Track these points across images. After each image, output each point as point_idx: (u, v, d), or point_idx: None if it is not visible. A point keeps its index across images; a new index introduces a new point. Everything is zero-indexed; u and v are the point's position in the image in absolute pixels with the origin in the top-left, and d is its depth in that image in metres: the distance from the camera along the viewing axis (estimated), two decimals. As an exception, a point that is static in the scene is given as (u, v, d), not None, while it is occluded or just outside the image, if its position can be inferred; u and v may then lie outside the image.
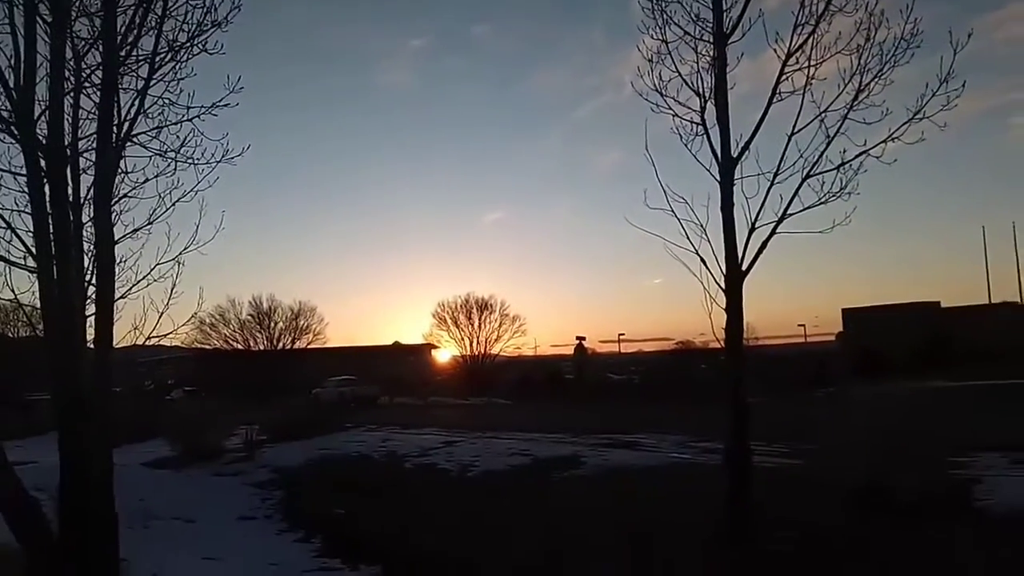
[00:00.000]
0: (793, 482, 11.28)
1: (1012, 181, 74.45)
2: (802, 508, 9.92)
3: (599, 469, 14.16)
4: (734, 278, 9.04)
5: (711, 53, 9.06)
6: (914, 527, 8.84)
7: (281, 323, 51.89)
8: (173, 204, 8.69)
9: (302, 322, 52.27)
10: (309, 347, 52.45)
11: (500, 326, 53.19)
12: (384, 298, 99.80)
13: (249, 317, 51.51)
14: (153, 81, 8.05)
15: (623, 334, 64.16)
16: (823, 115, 8.75)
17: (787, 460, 13.37)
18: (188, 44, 8.16)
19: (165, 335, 8.83)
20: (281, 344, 51.56)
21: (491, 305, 53.32)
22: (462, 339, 53.44)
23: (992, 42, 64.99)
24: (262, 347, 51.17)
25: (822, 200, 8.81)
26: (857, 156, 8.67)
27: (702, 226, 9.06)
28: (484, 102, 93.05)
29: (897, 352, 38.24)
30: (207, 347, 49.37)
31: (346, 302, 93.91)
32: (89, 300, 7.95)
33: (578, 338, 51.79)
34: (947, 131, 8.40)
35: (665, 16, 9.20)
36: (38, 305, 7.81)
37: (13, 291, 8.09)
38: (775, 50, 8.81)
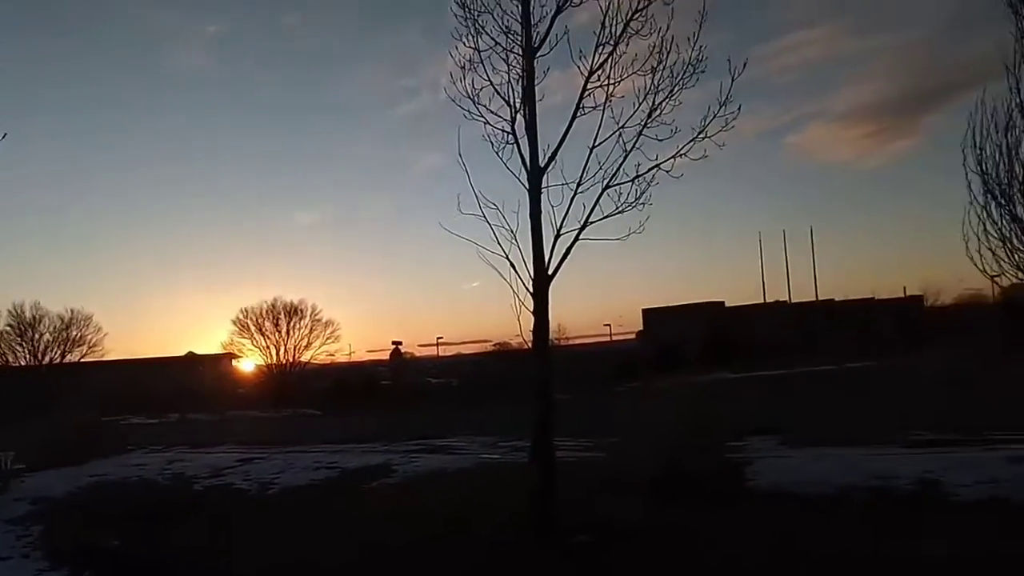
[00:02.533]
0: (596, 474, 11.72)
1: (784, 194, 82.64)
2: (604, 498, 10.37)
3: (410, 476, 14.02)
4: (541, 281, 9.34)
5: (521, 65, 9.30)
6: (702, 510, 9.51)
7: (48, 334, 47.47)
8: None
9: (74, 333, 48.03)
10: (83, 360, 48.29)
11: (311, 332, 51.48)
12: (178, 305, 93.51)
13: (8, 328, 46.77)
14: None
15: (441, 337, 64.14)
16: (621, 130, 9.30)
17: (591, 453, 13.83)
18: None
19: None
20: (47, 358, 47.22)
21: (301, 310, 51.51)
22: (268, 347, 51.33)
23: (769, 70, 70.91)
24: (23, 363, 46.63)
25: (620, 209, 9.36)
26: (650, 169, 9.34)
27: (512, 232, 9.36)
28: (293, 95, 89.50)
29: (689, 348, 41.09)
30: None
31: (132, 311, 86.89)
32: None
33: (394, 343, 51.31)
34: (728, 147, 9.16)
35: (477, 25, 9.44)
36: None
37: None
38: (578, 67, 9.21)
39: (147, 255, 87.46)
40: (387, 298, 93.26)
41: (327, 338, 51.42)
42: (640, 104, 9.17)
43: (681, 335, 43.86)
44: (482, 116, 9.47)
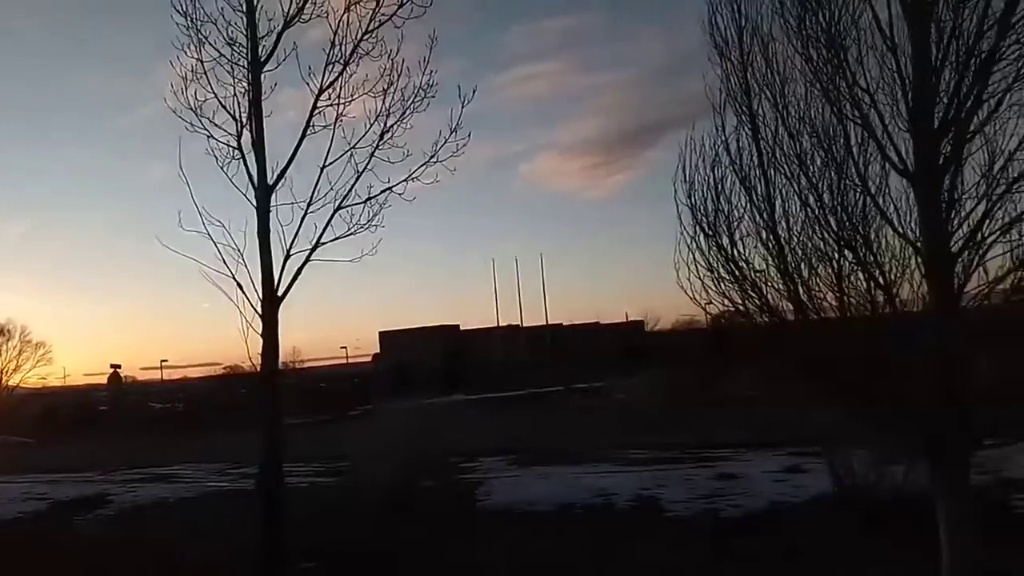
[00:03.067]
0: (327, 499, 11.67)
1: (517, 220, 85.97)
2: (334, 525, 10.34)
3: (127, 507, 13.23)
4: (270, 303, 9.08)
5: (247, 79, 9.07)
6: (435, 531, 9.77)
7: None
8: None
9: None
10: None
11: (20, 354, 46.87)
12: None
13: None
14: None
15: (166, 360, 60.47)
16: (353, 151, 9.20)
17: (323, 478, 13.75)
18: None
19: None
20: None
21: (9, 330, 46.74)
22: (-31, 370, 45.98)
23: (504, 99, 73.89)
24: None
25: (351, 231, 9.26)
26: (383, 192, 9.29)
27: (240, 251, 8.98)
28: (16, 95, 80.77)
29: (425, 370, 41.60)
30: None
31: None
32: None
33: (113, 366, 48.08)
34: (465, 173, 9.60)
35: (201, 35, 8.99)
36: None
37: None
38: (308, 84, 9.10)
39: None
40: (107, 318, 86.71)
41: (38, 360, 47.31)
42: (371, 125, 9.12)
43: (417, 357, 44.54)
44: (206, 129, 9.06)
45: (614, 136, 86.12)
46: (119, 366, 49.04)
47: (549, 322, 52.67)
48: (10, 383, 46.92)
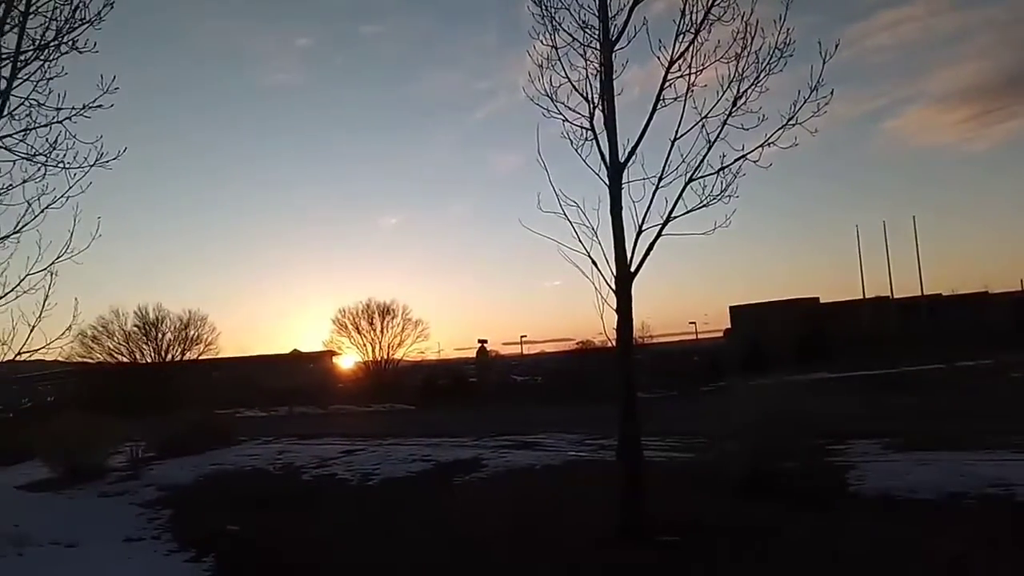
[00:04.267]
0: (684, 474, 11.61)
1: (882, 182, 78.64)
2: (692, 500, 10.26)
3: (499, 470, 14.19)
4: (623, 279, 9.24)
5: (599, 59, 9.24)
6: (796, 512, 9.28)
7: (169, 334, 49.87)
8: (43, 210, 8.32)
9: (192, 332, 50.33)
10: (200, 358, 50.69)
11: (403, 331, 52.63)
12: (282, 306, 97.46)
13: (135, 328, 49.35)
14: (17, 81, 7.64)
15: (525, 336, 64.49)
16: (704, 121, 9.05)
17: (678, 453, 13.72)
18: (56, 42, 7.78)
19: (37, 349, 8.38)
20: (170, 356, 49.64)
21: (393, 310, 52.71)
22: (364, 345, 52.72)
23: (862, 50, 68.39)
24: (149, 360, 49.14)
25: (704, 203, 9.12)
26: (736, 160, 9.02)
27: (593, 229, 9.27)
28: (376, 103, 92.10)
29: (781, 346, 39.79)
30: (90, 361, 47.13)
31: (241, 311, 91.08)
32: (-51, 315, 7.50)
33: (480, 341, 51.98)
34: (821, 135, 8.79)
35: (554, 22, 9.38)
36: None
37: None
38: (658, 57, 9.05)
39: (253, 259, 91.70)
40: (472, 297, 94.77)
41: (417, 336, 52.62)
42: (724, 93, 8.92)
43: (772, 333, 42.72)
44: (560, 113, 9.42)
45: (996, 80, 76.27)
46: (486, 341, 52.87)
47: (924, 292, 48.11)
48: (394, 357, 52.79)
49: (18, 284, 8.13)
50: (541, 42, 9.44)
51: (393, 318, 52.47)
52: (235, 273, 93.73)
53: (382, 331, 52.27)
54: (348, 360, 56.19)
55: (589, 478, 12.12)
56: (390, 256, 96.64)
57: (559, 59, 9.39)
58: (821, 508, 9.46)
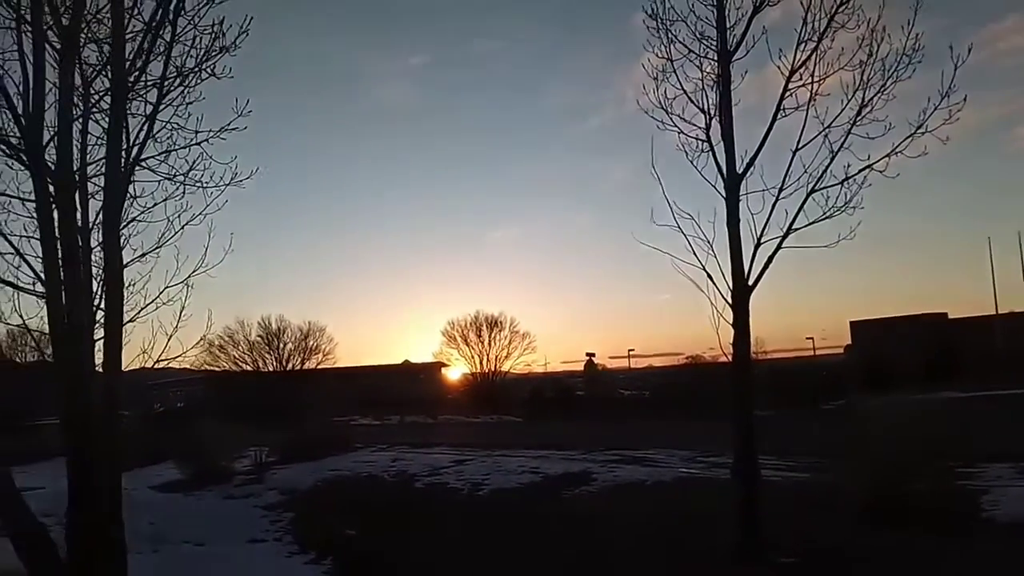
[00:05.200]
0: (802, 495, 11.27)
1: (1016, 191, 74.13)
2: (812, 521, 9.95)
3: (609, 485, 14.10)
4: (741, 293, 9.08)
5: (715, 70, 9.14)
6: (925, 538, 8.86)
7: (290, 344, 51.71)
8: (182, 227, 8.73)
9: (311, 342, 52.11)
10: (319, 367, 52.37)
11: (510, 343, 53.15)
12: (393, 317, 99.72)
13: (258, 338, 51.40)
14: (162, 106, 8.06)
15: (633, 349, 63.83)
16: (827, 130, 8.82)
17: (796, 473, 13.32)
18: (196, 69, 8.16)
19: (174, 358, 8.79)
20: (290, 365, 51.46)
21: (501, 322, 53.30)
22: (472, 357, 53.44)
23: (995, 53, 65.09)
24: (271, 368, 51.09)
25: (827, 215, 8.87)
26: (861, 171, 8.75)
27: (709, 242, 9.14)
28: (486, 119, 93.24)
29: (906, 364, 38.02)
30: (216, 369, 49.38)
31: (355, 322, 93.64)
32: (97, 324, 7.97)
33: (588, 354, 51.84)
34: (950, 143, 8.44)
35: (669, 35, 9.31)
36: (46, 330, 7.85)
37: (21, 316, 8.14)
38: (778, 67, 8.89)
39: (367, 273, 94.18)
40: (580, 310, 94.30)
41: (524, 349, 52.95)
42: (848, 101, 8.66)
43: (896, 349, 40.93)
44: (675, 125, 9.35)
45: None
46: (593, 354, 52.71)
47: (1066, 307, 44.91)
48: (501, 369, 53.25)
49: (158, 296, 8.56)
50: (656, 55, 9.39)
51: (501, 331, 53.05)
52: (351, 285, 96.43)
53: (490, 343, 52.92)
54: (456, 371, 57.12)
55: (702, 496, 11.90)
56: (499, 269, 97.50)
57: (673, 71, 9.33)
58: (951, 534, 9.01)
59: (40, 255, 7.72)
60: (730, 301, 9.11)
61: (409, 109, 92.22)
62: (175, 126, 8.38)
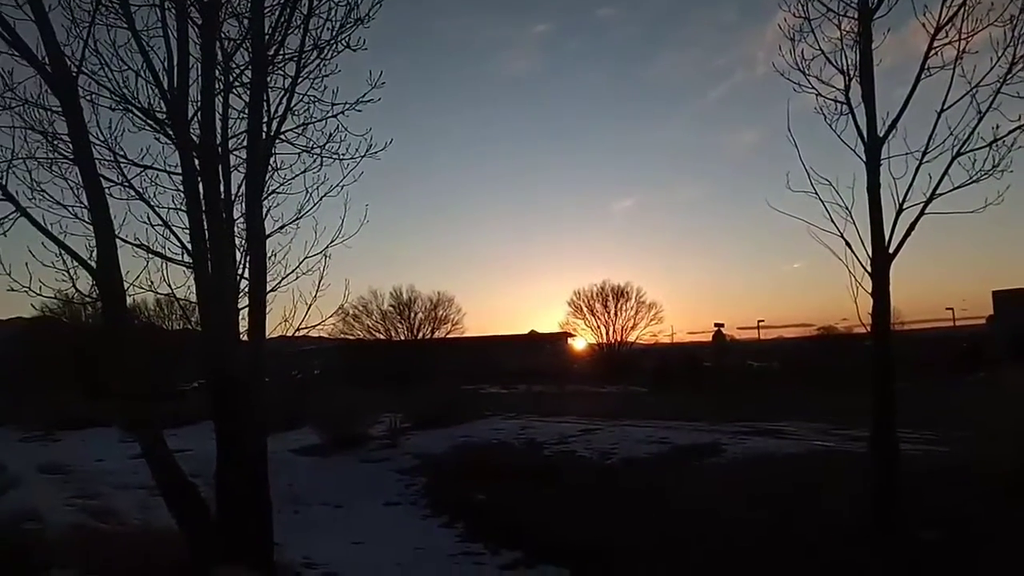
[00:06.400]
0: (942, 470, 10.80)
1: None
2: (951, 496, 9.56)
3: (740, 456, 13.90)
4: (881, 261, 8.72)
5: (855, 29, 8.73)
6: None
7: (421, 313, 53.14)
8: (320, 199, 8.91)
9: (441, 312, 53.40)
10: (448, 337, 53.54)
11: (636, 313, 53.09)
12: (519, 288, 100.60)
13: (390, 308, 53.01)
14: (300, 79, 8.32)
15: (762, 320, 62.41)
16: (974, 90, 8.28)
17: (935, 447, 12.78)
18: (332, 42, 8.37)
19: (314, 326, 9.05)
20: (421, 334, 52.81)
21: (627, 292, 53.23)
22: (598, 327, 53.58)
23: None
24: (403, 337, 52.56)
25: (973, 179, 8.39)
26: (1011, 132, 8.22)
27: (847, 208, 8.77)
28: (609, 86, 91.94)
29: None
30: (351, 337, 51.15)
31: (483, 292, 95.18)
32: (242, 293, 8.35)
33: (716, 325, 51.00)
34: None
35: (810, -9, 8.90)
36: (193, 299, 8.30)
37: (169, 285, 8.52)
38: (923, 24, 8.40)
39: (493, 242, 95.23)
40: (706, 280, 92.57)
41: (651, 319, 52.57)
42: (998, 59, 8.12)
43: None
44: (812, 87, 8.97)
45: None
46: (722, 325, 51.78)
47: None
48: (627, 339, 53.03)
49: (297, 266, 8.78)
50: (793, 13, 9.01)
51: (627, 301, 52.97)
52: (479, 256, 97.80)
53: (616, 313, 52.94)
54: (582, 342, 57.25)
55: (837, 469, 11.56)
56: (625, 239, 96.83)
57: (811, 30, 8.94)
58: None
59: (187, 226, 8.14)
60: (869, 269, 8.76)
61: (531, 78, 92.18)
62: (312, 99, 8.62)
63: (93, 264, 7.81)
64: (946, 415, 14.84)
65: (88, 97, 7.95)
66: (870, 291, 8.78)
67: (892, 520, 8.61)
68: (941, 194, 8.45)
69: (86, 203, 7.82)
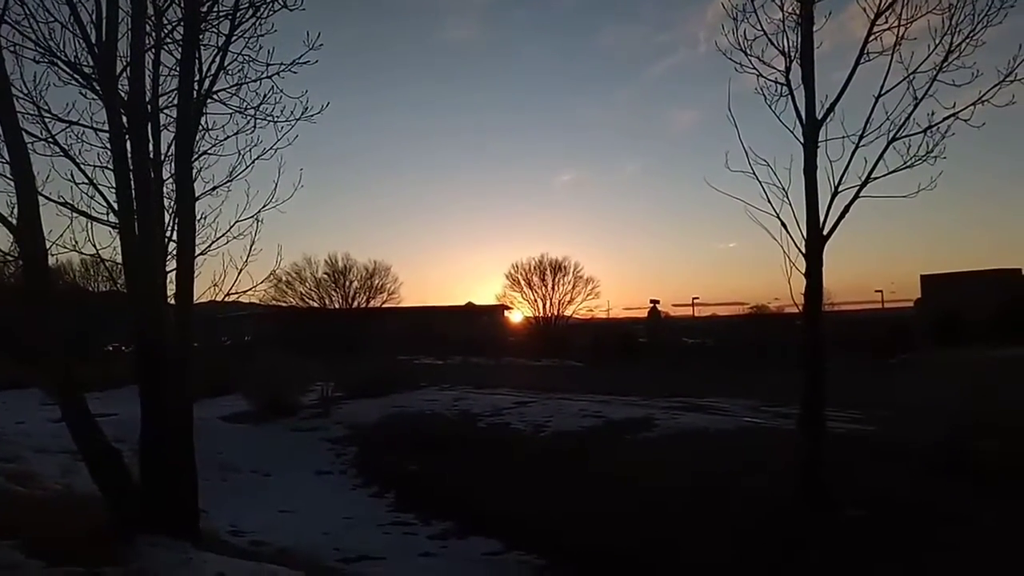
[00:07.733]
0: (868, 447, 11.10)
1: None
2: (877, 474, 9.81)
3: (671, 431, 14.05)
4: (815, 243, 8.88)
5: (797, 11, 8.81)
6: (994, 497, 8.65)
7: (356, 282, 52.32)
8: (253, 161, 8.69)
9: (377, 281, 52.65)
10: (383, 307, 53.04)
11: (573, 288, 53.20)
12: (457, 259, 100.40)
13: (325, 276, 52.13)
14: (234, 37, 7.99)
15: (697, 298, 63.32)
16: (911, 76, 8.49)
17: (862, 426, 13.10)
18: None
19: (244, 292, 8.85)
20: (356, 303, 52.16)
21: (565, 267, 53.30)
22: (535, 300, 53.65)
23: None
24: (337, 306, 51.90)
25: (907, 164, 8.60)
26: (945, 119, 8.43)
27: (784, 189, 8.90)
28: (552, 58, 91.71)
29: (977, 319, 37.27)
30: (283, 304, 50.35)
31: (420, 262, 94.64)
32: (170, 256, 8.08)
33: (652, 301, 51.73)
34: None
35: (751, -28, 8.92)
36: (119, 260, 8.00)
37: (95, 245, 8.18)
38: (864, 8, 8.52)
39: (432, 212, 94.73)
40: (644, 256, 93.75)
41: (588, 294, 52.89)
42: (935, 47, 8.32)
43: (968, 305, 39.95)
44: (754, 68, 9.05)
45: None
46: (658, 301, 52.59)
47: None
48: (564, 313, 53.35)
49: (228, 230, 8.56)
50: (737, -6, 9.02)
51: (564, 275, 53.08)
52: (417, 226, 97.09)
53: (553, 287, 53.04)
54: (519, 314, 57.43)
55: (766, 445, 11.79)
56: (564, 213, 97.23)
57: (754, 10, 8.98)
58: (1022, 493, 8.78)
59: (113, 185, 7.84)
60: (804, 250, 8.90)
61: (473, 47, 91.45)
62: (247, 58, 8.33)
63: (14, 221, 7.45)
64: (870, 395, 15.25)
65: (11, 48, 7.55)
66: (804, 271, 8.94)
67: (820, 495, 8.83)
68: (876, 178, 8.64)
69: (6, 158, 7.45)
